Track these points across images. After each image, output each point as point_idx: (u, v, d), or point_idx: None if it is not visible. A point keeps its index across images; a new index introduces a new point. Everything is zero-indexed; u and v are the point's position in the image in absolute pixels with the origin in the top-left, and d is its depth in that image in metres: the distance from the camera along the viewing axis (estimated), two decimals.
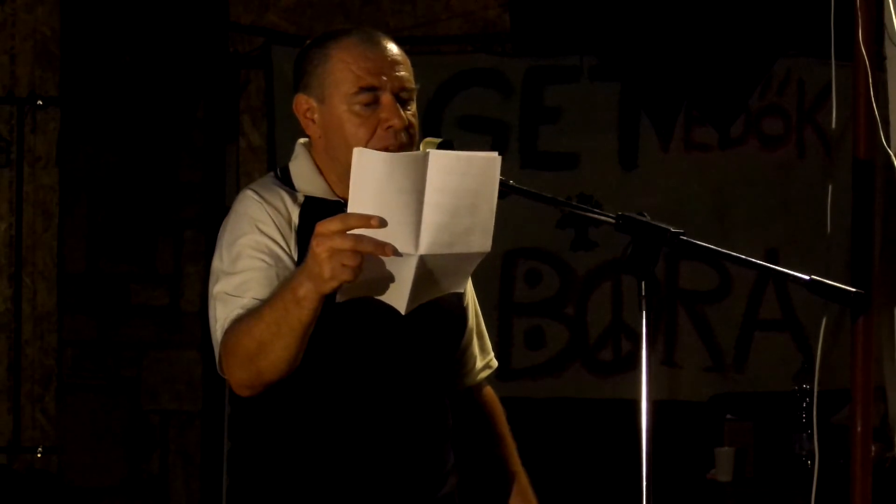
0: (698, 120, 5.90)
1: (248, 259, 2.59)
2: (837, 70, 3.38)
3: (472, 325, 2.92)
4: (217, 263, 2.64)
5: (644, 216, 2.56)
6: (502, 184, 2.57)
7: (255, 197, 2.66)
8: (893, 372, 3.92)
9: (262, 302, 2.48)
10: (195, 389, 6.04)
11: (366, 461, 2.66)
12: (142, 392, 6.06)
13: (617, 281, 5.92)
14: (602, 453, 5.67)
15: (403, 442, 2.68)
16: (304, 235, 2.53)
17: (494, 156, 2.34)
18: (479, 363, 2.98)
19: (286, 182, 2.72)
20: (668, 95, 5.88)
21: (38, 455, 5.79)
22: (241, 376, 2.51)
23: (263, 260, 2.59)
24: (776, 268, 2.84)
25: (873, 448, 3.49)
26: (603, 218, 2.64)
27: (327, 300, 2.36)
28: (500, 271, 5.97)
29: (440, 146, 2.57)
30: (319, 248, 2.27)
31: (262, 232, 2.62)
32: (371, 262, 2.29)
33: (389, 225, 2.26)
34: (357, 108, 2.64)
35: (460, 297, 2.80)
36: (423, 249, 2.29)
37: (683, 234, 2.56)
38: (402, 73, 2.68)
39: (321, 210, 2.58)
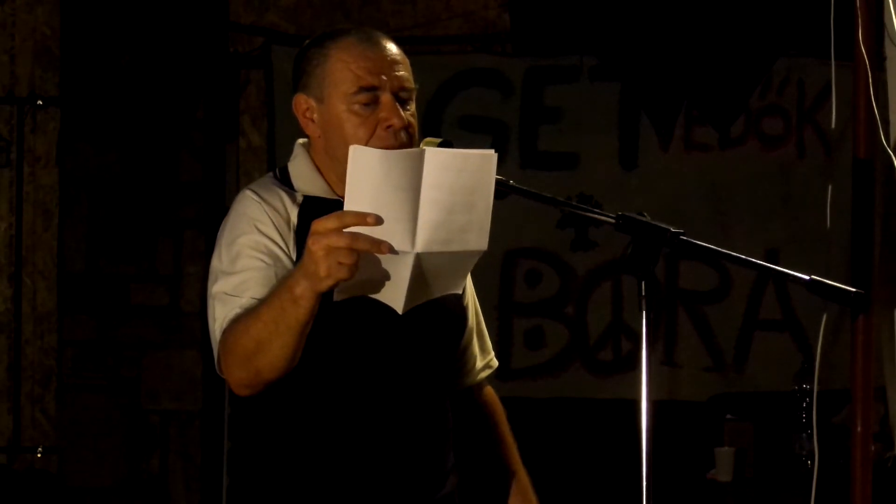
0: (698, 120, 5.90)
1: (247, 259, 2.59)
2: (837, 70, 3.38)
3: (472, 324, 2.92)
4: (216, 263, 2.64)
5: (644, 216, 2.56)
6: (502, 184, 2.58)
7: (254, 197, 2.66)
8: (893, 372, 3.92)
9: (260, 301, 2.48)
10: (195, 389, 6.04)
11: (366, 461, 2.66)
12: (142, 392, 6.06)
13: (617, 281, 5.92)
14: (602, 453, 5.67)
15: (403, 442, 2.68)
16: (302, 235, 2.53)
17: (490, 153, 2.34)
18: (480, 363, 2.98)
19: (285, 182, 2.72)
20: (668, 95, 5.87)
21: (38, 455, 5.79)
22: (239, 375, 2.51)
23: (262, 260, 2.59)
24: (776, 268, 2.84)
25: (873, 448, 3.49)
26: (603, 218, 2.64)
27: (326, 300, 2.36)
28: (500, 271, 5.97)
29: (440, 146, 2.57)
30: (315, 246, 2.28)
31: (260, 232, 2.62)
32: (368, 260, 2.29)
33: (386, 223, 2.26)
34: (356, 107, 2.64)
35: (459, 296, 2.80)
36: (419, 247, 2.29)
37: (683, 234, 2.56)
38: (402, 72, 2.68)
39: (320, 210, 2.58)
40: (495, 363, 3.03)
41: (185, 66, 6.01)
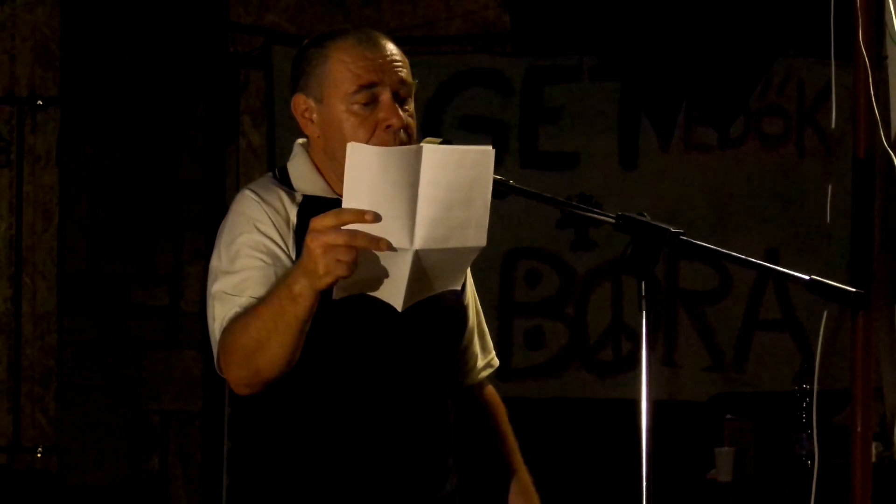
0: (698, 120, 5.90)
1: (247, 258, 2.60)
2: (837, 70, 3.38)
3: (472, 323, 2.92)
4: (215, 263, 2.65)
5: (644, 216, 2.56)
6: (502, 184, 2.58)
7: (253, 196, 2.67)
8: (893, 372, 3.92)
9: (259, 300, 2.49)
10: (195, 389, 6.04)
11: (366, 460, 2.66)
12: (142, 392, 6.06)
13: (617, 281, 5.92)
14: (602, 453, 5.67)
15: (404, 441, 2.68)
16: (302, 235, 2.53)
17: (488, 149, 2.35)
18: (481, 362, 2.98)
19: (284, 182, 2.73)
20: (668, 95, 5.87)
21: (38, 455, 5.79)
22: (238, 374, 2.51)
23: (262, 259, 2.59)
24: (776, 268, 2.84)
25: (873, 448, 3.49)
26: (603, 218, 2.64)
27: (325, 299, 2.37)
28: (500, 271, 5.97)
29: None
30: (314, 243, 2.28)
31: (260, 231, 2.62)
32: (366, 258, 2.29)
33: (384, 220, 2.26)
34: (356, 107, 2.65)
35: (459, 294, 2.80)
36: (418, 244, 2.29)
37: (683, 234, 2.56)
38: (401, 70, 2.68)
39: (319, 209, 2.58)
40: (496, 362, 3.03)
41: (185, 66, 6.01)
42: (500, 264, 5.95)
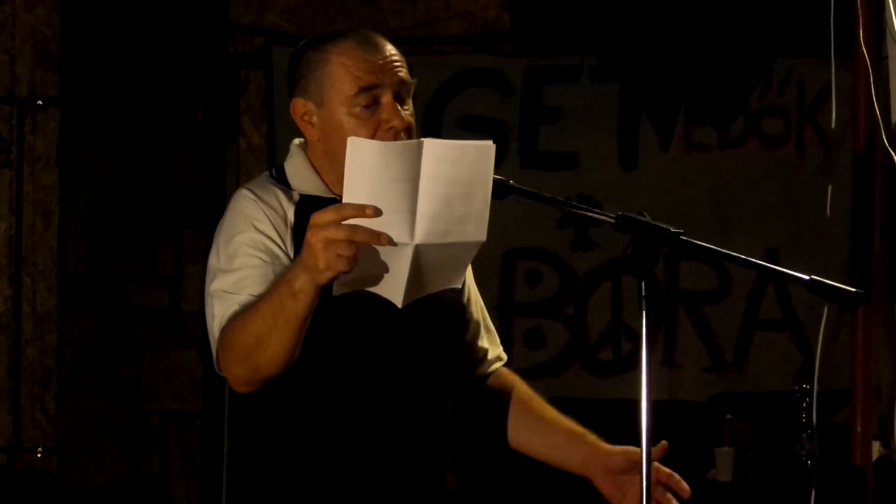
0: (698, 120, 5.90)
1: (245, 257, 2.60)
2: (837, 70, 3.39)
3: (478, 317, 2.92)
4: (214, 261, 2.65)
5: (644, 216, 2.56)
6: (502, 184, 2.58)
7: (251, 195, 2.67)
8: (893, 372, 3.93)
9: (258, 297, 2.49)
10: (195, 389, 6.04)
11: (366, 459, 2.66)
12: (142, 392, 6.06)
13: (617, 281, 5.92)
14: None
15: (403, 440, 2.68)
16: (299, 233, 2.53)
17: (488, 144, 2.35)
18: (492, 353, 2.97)
19: (281, 181, 2.73)
20: (667, 95, 5.87)
21: (38, 455, 5.79)
22: (238, 372, 2.52)
23: (260, 257, 2.60)
24: (776, 268, 2.84)
25: (873, 448, 3.49)
26: (603, 218, 2.64)
27: (324, 296, 2.37)
28: (500, 271, 5.96)
29: None
30: (314, 238, 2.28)
31: (258, 230, 2.62)
32: (367, 253, 2.29)
33: (384, 214, 2.26)
34: (357, 110, 2.64)
35: (458, 293, 2.80)
36: (418, 239, 2.29)
37: (683, 234, 2.56)
38: (400, 71, 2.68)
39: (317, 208, 2.58)
40: (505, 357, 3.03)
41: (185, 66, 6.01)
42: (499, 264, 5.95)
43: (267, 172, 2.78)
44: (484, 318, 2.96)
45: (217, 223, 2.71)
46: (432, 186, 2.27)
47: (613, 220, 2.59)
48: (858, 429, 3.35)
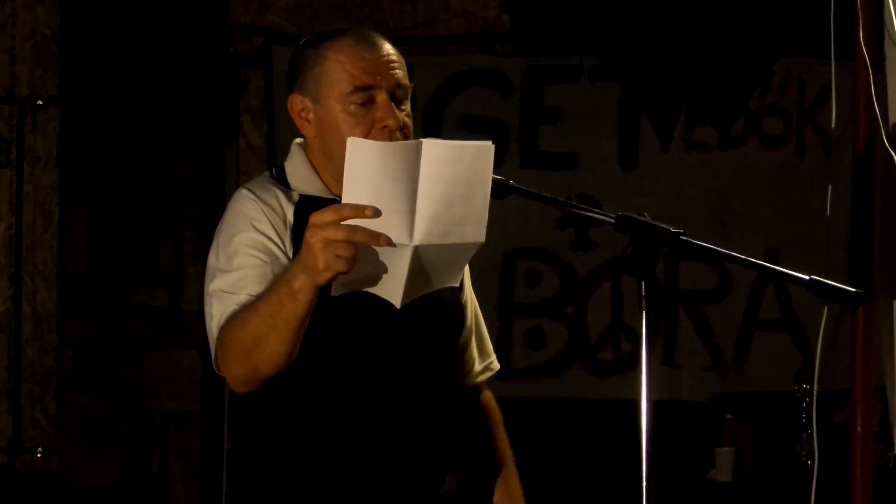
0: (698, 120, 5.90)
1: (244, 256, 2.60)
2: (837, 70, 3.38)
3: (470, 323, 2.92)
4: (213, 261, 2.65)
5: (644, 216, 2.56)
6: (502, 184, 2.58)
7: (250, 195, 2.67)
8: (893, 372, 3.92)
9: (257, 297, 2.48)
10: (195, 389, 6.04)
11: (365, 459, 2.65)
12: (142, 392, 6.06)
13: (617, 281, 5.92)
14: (602, 453, 5.67)
15: (402, 440, 2.68)
16: (299, 233, 2.53)
17: (488, 144, 2.35)
18: (478, 365, 2.96)
19: (281, 181, 2.73)
20: (668, 95, 5.87)
21: (38, 455, 5.79)
22: (236, 372, 2.52)
23: (259, 257, 2.60)
24: (776, 268, 2.84)
25: (874, 448, 3.49)
26: (603, 218, 2.64)
27: (323, 296, 2.36)
28: (500, 271, 5.96)
29: None
30: (313, 238, 2.28)
31: (257, 230, 2.62)
32: (366, 254, 2.29)
33: (384, 215, 2.26)
34: (352, 108, 2.64)
35: (457, 293, 2.80)
36: (417, 239, 2.29)
37: (683, 234, 2.56)
38: (397, 72, 2.68)
39: (316, 208, 2.58)
40: (496, 366, 3.01)
41: (185, 66, 6.01)
42: (499, 264, 5.95)
43: (267, 172, 2.78)
44: (478, 326, 2.95)
45: (217, 223, 2.71)
46: (432, 187, 2.27)
47: (613, 220, 2.59)
48: (858, 429, 3.35)
